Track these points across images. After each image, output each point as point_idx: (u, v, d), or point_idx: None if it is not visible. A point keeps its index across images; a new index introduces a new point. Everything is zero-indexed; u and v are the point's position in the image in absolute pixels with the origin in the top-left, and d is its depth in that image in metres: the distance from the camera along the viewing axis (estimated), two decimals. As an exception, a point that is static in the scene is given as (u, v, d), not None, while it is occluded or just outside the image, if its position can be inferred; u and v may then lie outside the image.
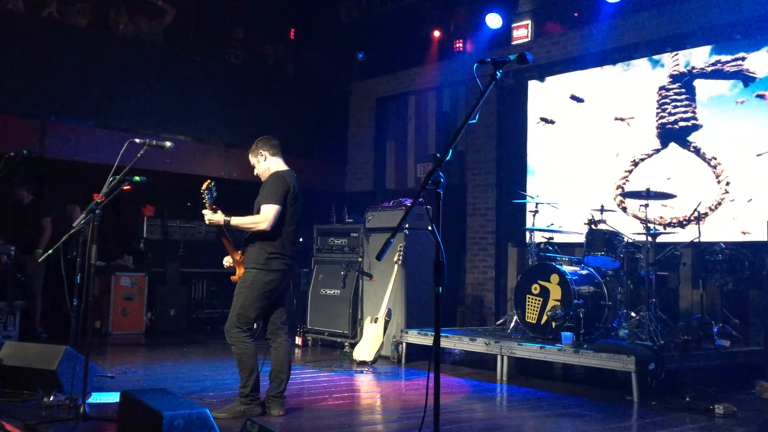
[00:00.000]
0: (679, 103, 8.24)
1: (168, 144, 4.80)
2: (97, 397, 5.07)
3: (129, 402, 3.92)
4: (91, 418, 4.40)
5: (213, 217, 4.73)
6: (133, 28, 10.25)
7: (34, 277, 8.55)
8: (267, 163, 4.99)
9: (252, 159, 5.07)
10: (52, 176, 10.16)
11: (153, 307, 9.86)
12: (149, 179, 5.18)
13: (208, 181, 4.70)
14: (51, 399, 4.69)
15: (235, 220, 4.77)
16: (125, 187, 4.76)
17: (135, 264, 9.97)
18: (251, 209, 4.89)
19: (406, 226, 7.69)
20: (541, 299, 6.90)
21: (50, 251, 5.25)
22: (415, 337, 7.42)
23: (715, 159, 7.88)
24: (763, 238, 6.59)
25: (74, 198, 9.60)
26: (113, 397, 4.84)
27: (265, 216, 4.72)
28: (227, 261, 5.02)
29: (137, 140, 4.68)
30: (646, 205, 6.67)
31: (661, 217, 8.06)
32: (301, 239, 9.82)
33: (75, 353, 5.03)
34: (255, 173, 5.08)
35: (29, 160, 8.30)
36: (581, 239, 7.22)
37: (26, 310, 8.42)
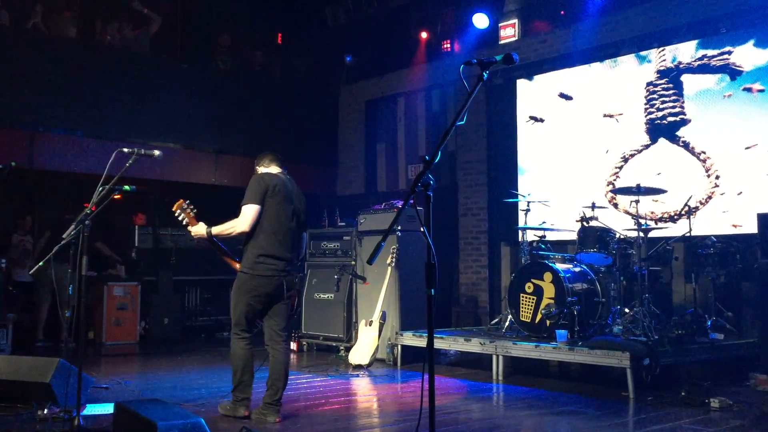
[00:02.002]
0: (667, 99, 8.27)
1: (156, 153, 4.79)
2: (91, 409, 5.04)
3: (123, 413, 3.90)
4: (86, 430, 4.37)
5: (196, 231, 4.77)
6: (119, 37, 10.23)
7: (39, 288, 8.60)
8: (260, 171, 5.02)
9: None
10: (41, 187, 10.11)
11: (146, 316, 9.82)
12: (139, 188, 5.17)
13: (180, 201, 4.72)
14: (45, 412, 4.66)
15: (216, 230, 4.77)
16: (116, 197, 4.74)
17: (127, 273, 9.93)
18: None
19: (398, 228, 7.69)
20: (535, 298, 6.90)
21: (41, 263, 5.23)
22: (410, 339, 7.41)
23: (704, 153, 7.92)
24: (754, 231, 6.61)
25: (64, 209, 9.55)
26: (108, 409, 4.81)
27: (242, 217, 4.71)
28: None
29: (126, 150, 4.66)
30: (637, 201, 6.68)
31: (652, 213, 8.09)
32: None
33: (68, 365, 5.00)
34: None
35: (18, 172, 8.29)
36: (573, 236, 7.23)
37: (20, 321, 8.38)
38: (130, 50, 10.27)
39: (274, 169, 5.01)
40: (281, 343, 4.87)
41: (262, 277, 4.72)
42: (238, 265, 4.90)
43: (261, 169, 5.02)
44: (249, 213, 4.70)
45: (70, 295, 4.73)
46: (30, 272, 8.15)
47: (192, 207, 4.86)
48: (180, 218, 4.83)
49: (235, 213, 4.94)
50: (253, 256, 4.73)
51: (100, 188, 4.56)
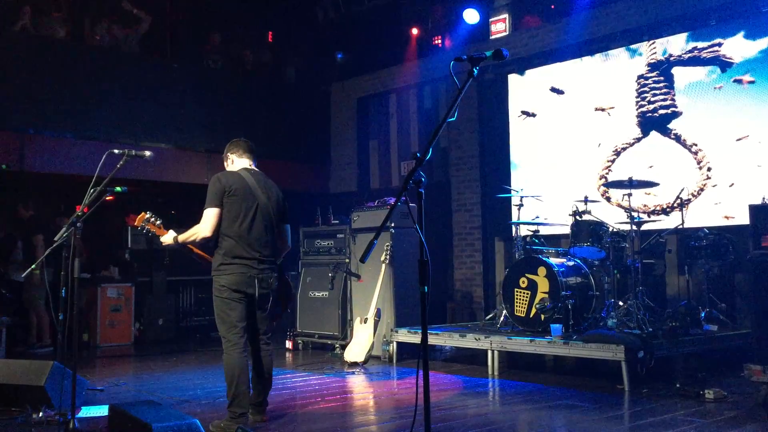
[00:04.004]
0: (658, 91, 8.28)
1: (147, 153, 4.76)
2: (86, 411, 5.02)
3: (118, 415, 3.89)
4: (81, 432, 4.36)
5: (165, 240, 4.68)
6: (108, 37, 10.18)
7: (30, 293, 8.55)
8: (233, 167, 4.87)
9: (225, 164, 4.98)
10: (33, 190, 10.06)
11: (141, 318, 9.79)
12: (131, 189, 5.14)
13: (142, 214, 4.68)
14: (40, 415, 4.64)
15: (181, 237, 4.65)
16: (108, 198, 4.73)
17: (121, 275, 9.90)
18: None
19: (392, 225, 7.68)
20: (530, 292, 6.91)
21: (33, 266, 5.22)
22: (405, 336, 7.42)
23: (696, 145, 7.94)
24: (746, 222, 6.63)
25: (56, 211, 9.53)
26: (103, 411, 4.80)
27: (203, 223, 4.57)
28: None
29: (116, 151, 4.63)
30: (630, 194, 6.70)
31: (644, 205, 8.11)
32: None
33: (62, 368, 4.98)
34: None
35: (9, 175, 8.26)
36: (567, 231, 7.24)
37: (14, 326, 8.34)
38: (120, 50, 10.22)
39: (246, 162, 4.87)
40: (262, 346, 4.76)
41: (231, 276, 4.55)
42: None
43: (234, 158, 4.88)
44: (208, 217, 4.56)
45: (63, 297, 4.71)
46: (23, 275, 8.13)
47: (156, 218, 4.74)
48: (145, 232, 4.75)
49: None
50: (220, 259, 4.59)
51: (92, 190, 4.55)
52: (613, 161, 8.59)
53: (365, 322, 7.40)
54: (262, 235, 4.66)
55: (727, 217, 7.59)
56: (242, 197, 4.63)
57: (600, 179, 8.62)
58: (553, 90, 9.28)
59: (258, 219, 4.65)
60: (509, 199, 8.72)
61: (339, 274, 8.35)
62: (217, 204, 4.59)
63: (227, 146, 4.96)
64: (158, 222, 4.74)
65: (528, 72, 9.63)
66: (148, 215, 4.73)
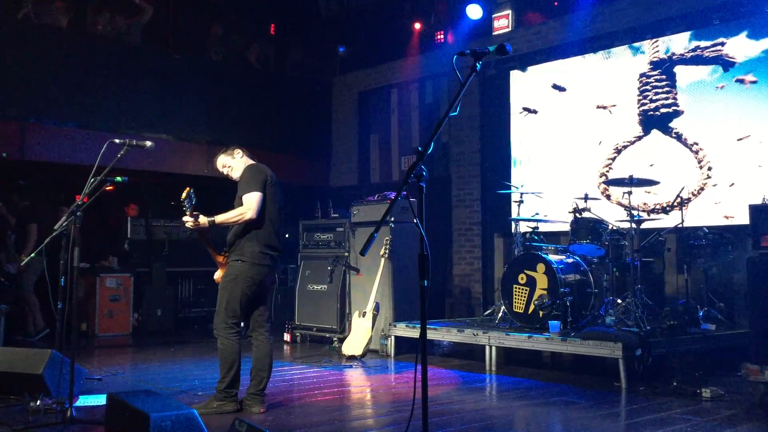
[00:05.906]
0: (660, 90, 8.27)
1: (148, 143, 4.76)
2: (84, 400, 5.03)
3: (116, 404, 3.89)
4: (79, 421, 4.37)
5: (198, 221, 4.69)
6: (110, 27, 10.15)
7: (24, 279, 8.53)
8: (243, 161, 4.96)
9: (226, 159, 4.97)
10: (32, 179, 10.05)
11: (139, 308, 9.80)
12: (131, 179, 5.14)
13: (188, 188, 4.67)
14: (38, 403, 4.64)
15: (220, 218, 4.73)
16: (108, 188, 4.73)
17: (120, 265, 9.89)
18: (233, 207, 4.85)
19: (391, 219, 7.69)
20: (528, 289, 6.92)
21: (32, 254, 5.22)
22: (403, 330, 7.43)
23: (697, 144, 7.93)
24: (746, 222, 6.62)
25: (56, 200, 9.51)
26: (101, 400, 4.80)
27: (249, 205, 4.69)
28: (218, 275, 4.95)
29: (117, 140, 4.64)
30: (630, 192, 6.69)
31: (644, 204, 8.11)
32: (287, 235, 9.78)
33: (61, 356, 4.99)
34: (226, 174, 5.00)
35: (9, 163, 8.25)
36: (566, 228, 7.25)
37: (12, 315, 8.34)
38: (122, 40, 10.20)
39: (253, 162, 5.03)
40: (265, 333, 4.88)
41: (261, 266, 4.75)
42: (220, 258, 4.89)
43: (243, 154, 4.98)
44: (254, 200, 4.69)
45: (62, 286, 4.71)
46: (23, 263, 8.13)
47: (195, 198, 4.80)
48: (185, 206, 4.74)
49: (228, 204, 4.92)
50: (254, 245, 4.73)
51: (92, 179, 4.55)
52: (613, 159, 8.58)
53: (363, 316, 7.41)
54: (281, 228, 4.94)
55: (727, 217, 7.59)
56: (276, 190, 4.87)
57: (600, 177, 8.62)
58: (555, 87, 9.27)
59: (281, 214, 4.92)
60: (509, 196, 8.72)
61: (338, 268, 8.35)
62: (261, 190, 4.74)
63: (232, 146, 5.04)
64: (194, 202, 4.72)
65: (530, 68, 9.62)
66: (191, 191, 4.68)
